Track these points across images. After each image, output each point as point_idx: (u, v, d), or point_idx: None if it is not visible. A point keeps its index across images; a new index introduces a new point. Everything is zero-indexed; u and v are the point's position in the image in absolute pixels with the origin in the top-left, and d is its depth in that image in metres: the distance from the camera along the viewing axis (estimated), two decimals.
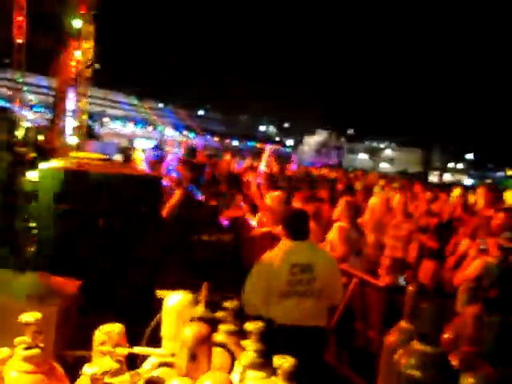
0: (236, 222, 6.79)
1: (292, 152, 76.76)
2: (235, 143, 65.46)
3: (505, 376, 1.92)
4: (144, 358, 1.73)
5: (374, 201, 7.41)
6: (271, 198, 6.66)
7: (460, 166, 77.24)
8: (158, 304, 1.91)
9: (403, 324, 2.39)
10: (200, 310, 1.77)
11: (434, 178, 65.77)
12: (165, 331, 1.81)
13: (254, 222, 6.39)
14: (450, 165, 76.91)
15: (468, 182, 65.50)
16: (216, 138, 63.99)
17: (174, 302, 1.85)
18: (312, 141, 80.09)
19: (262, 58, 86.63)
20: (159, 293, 1.92)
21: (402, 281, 5.33)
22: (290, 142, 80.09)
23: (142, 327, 1.98)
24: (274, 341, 2.24)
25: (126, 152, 18.20)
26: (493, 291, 3.53)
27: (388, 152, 79.45)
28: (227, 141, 64.68)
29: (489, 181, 73.55)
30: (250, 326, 1.62)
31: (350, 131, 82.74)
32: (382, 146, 79.53)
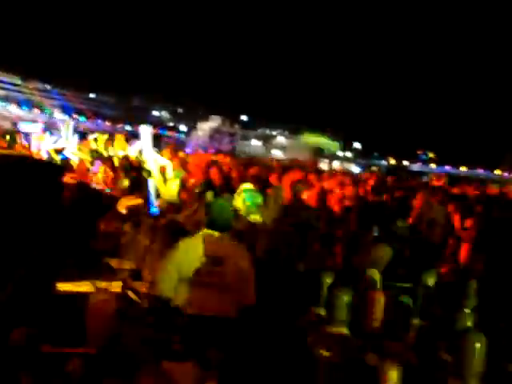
0: (134, 210, 6.64)
1: (186, 138, 76.17)
2: (128, 128, 63.67)
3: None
4: None
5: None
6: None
7: (348, 154, 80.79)
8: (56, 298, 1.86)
9: (314, 309, 2.50)
10: None
11: (324, 165, 68.23)
12: None
13: (155, 210, 6.29)
14: (339, 153, 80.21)
15: (356, 169, 68.77)
16: (108, 123, 61.84)
17: None
18: (205, 126, 79.88)
19: (156, 40, 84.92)
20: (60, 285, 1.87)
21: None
22: (183, 128, 79.31)
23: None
24: (182, 328, 2.27)
25: (11, 135, 17.17)
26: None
27: (280, 139, 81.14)
28: (120, 125, 62.73)
29: (374, 168, 78.02)
30: None
31: (244, 118, 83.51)
32: (274, 133, 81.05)
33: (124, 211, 7.41)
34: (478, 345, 1.92)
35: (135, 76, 74.13)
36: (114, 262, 5.38)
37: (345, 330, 2.14)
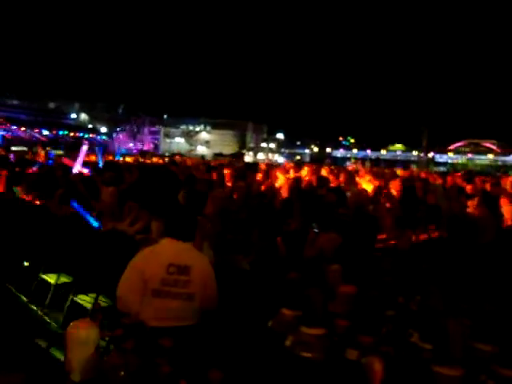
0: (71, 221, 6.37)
1: (107, 140, 74.31)
2: (45, 133, 61.10)
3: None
4: None
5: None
6: (106, 194, 6.41)
7: (272, 145, 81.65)
8: None
9: (287, 311, 2.48)
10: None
11: (249, 158, 68.69)
12: None
13: (92, 220, 6.04)
14: (263, 144, 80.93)
15: (280, 159, 69.78)
16: (23, 128, 58.98)
17: None
18: (127, 127, 78.31)
19: (71, 40, 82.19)
20: None
21: None
22: (104, 129, 77.31)
23: None
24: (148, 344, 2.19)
25: None
26: None
27: (204, 135, 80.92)
28: (36, 131, 60.09)
29: (298, 157, 79.61)
30: None
31: (165, 116, 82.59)
32: (197, 129, 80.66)
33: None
34: (456, 329, 1.97)
35: (50, 79, 71.39)
36: None
37: (321, 329, 2.13)
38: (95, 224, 5.89)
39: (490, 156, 71.14)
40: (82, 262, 5.23)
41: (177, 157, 27.82)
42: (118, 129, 77.55)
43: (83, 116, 76.99)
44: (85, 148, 10.24)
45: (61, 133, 63.43)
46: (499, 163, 66.78)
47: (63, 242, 5.62)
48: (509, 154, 69.65)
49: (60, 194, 7.33)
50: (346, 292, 2.42)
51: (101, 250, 5.17)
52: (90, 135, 70.25)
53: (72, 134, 64.71)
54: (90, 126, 75.63)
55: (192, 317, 3.50)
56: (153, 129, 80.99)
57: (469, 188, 10.00)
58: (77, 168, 8.85)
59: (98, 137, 73.02)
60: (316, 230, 5.29)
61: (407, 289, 2.80)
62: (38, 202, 7.53)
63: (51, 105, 73.69)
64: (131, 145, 74.56)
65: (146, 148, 77.19)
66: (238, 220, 6.28)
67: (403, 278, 3.01)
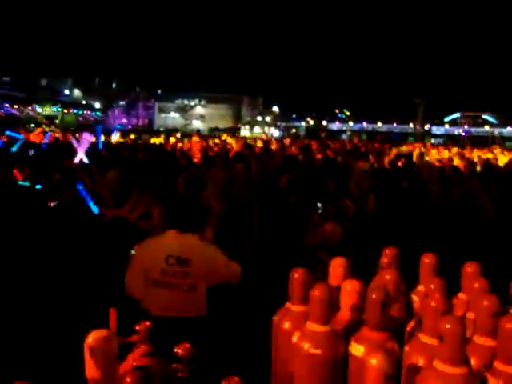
0: (72, 206, 6.33)
1: (101, 116, 73.78)
2: (38, 110, 60.61)
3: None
4: None
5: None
6: (108, 178, 6.37)
7: (267, 118, 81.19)
8: None
9: (293, 307, 2.51)
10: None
11: (245, 132, 68.45)
12: None
13: (93, 205, 6.01)
14: (259, 118, 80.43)
15: (276, 133, 69.52)
16: (16, 106, 58.43)
17: None
18: (121, 103, 77.75)
19: (64, 16, 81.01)
20: None
21: None
22: (98, 105, 76.71)
23: None
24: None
25: None
26: None
27: (198, 109, 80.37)
28: (29, 108, 59.56)
29: (294, 130, 79.36)
30: None
31: (159, 91, 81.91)
32: (192, 103, 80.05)
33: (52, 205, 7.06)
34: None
35: (41, 55, 70.47)
36: None
37: (327, 326, 2.16)
38: (96, 210, 5.86)
39: (487, 128, 71.05)
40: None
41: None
42: (113, 104, 77.01)
43: (76, 92, 76.21)
44: (87, 136, 10.06)
45: (54, 110, 62.95)
46: (496, 134, 66.78)
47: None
48: (505, 126, 69.58)
49: (57, 179, 7.28)
50: (352, 287, 2.45)
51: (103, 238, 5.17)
52: (85, 111, 69.78)
53: (66, 111, 64.26)
54: (83, 102, 74.97)
55: (195, 309, 3.52)
56: (147, 104, 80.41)
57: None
58: (79, 157, 8.70)
59: (93, 113, 72.53)
60: (320, 211, 5.25)
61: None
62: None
63: (43, 81, 72.78)
64: (124, 120, 74.17)
65: (140, 123, 76.89)
66: (239, 202, 6.30)
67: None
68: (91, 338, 1.50)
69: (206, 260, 3.60)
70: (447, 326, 1.77)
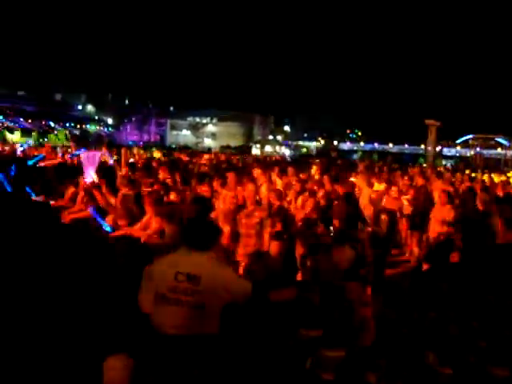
0: (83, 223, 6.37)
1: (113, 131, 74.37)
2: (52, 125, 61.15)
3: None
4: None
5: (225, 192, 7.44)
6: (122, 197, 6.44)
7: (279, 137, 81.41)
8: None
9: (306, 332, 2.51)
10: None
11: (256, 150, 68.63)
12: None
13: (105, 224, 6.03)
14: (270, 137, 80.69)
15: (287, 152, 69.67)
16: (29, 120, 59.01)
17: None
18: (134, 119, 78.37)
19: (76, 31, 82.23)
20: None
21: None
22: (110, 121, 77.37)
23: None
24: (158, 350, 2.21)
25: None
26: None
27: (210, 127, 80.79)
28: (43, 122, 60.13)
29: (304, 150, 79.50)
30: None
31: (172, 108, 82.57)
32: (204, 121, 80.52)
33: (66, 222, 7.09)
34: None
35: (55, 70, 71.35)
36: None
37: (342, 351, 2.16)
38: (108, 229, 5.91)
39: (499, 150, 70.71)
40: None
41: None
42: (125, 120, 77.65)
43: (89, 107, 76.95)
44: (100, 155, 10.07)
45: (67, 124, 63.53)
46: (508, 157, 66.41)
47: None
48: None
49: (72, 193, 7.36)
50: (368, 314, 2.46)
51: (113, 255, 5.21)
52: (97, 127, 70.36)
53: (79, 126, 64.81)
54: (96, 117, 75.64)
55: (202, 326, 3.51)
56: (159, 120, 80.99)
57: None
58: (90, 176, 8.71)
59: (105, 128, 73.11)
60: (332, 234, 5.23)
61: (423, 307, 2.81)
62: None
63: (57, 96, 73.62)
64: (137, 137, 74.76)
65: (152, 139, 77.41)
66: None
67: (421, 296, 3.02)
68: (109, 364, 1.51)
69: (215, 277, 3.58)
70: None
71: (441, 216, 7.89)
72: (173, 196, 6.73)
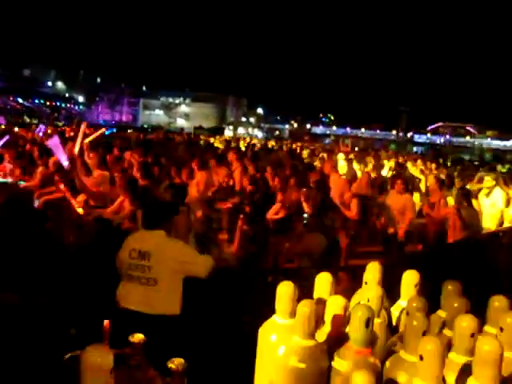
0: (53, 204, 6.30)
1: (84, 110, 73.17)
2: (20, 101, 59.78)
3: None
4: None
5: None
6: (97, 178, 6.39)
7: (252, 119, 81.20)
8: None
9: (279, 320, 2.54)
10: None
11: (229, 132, 68.40)
12: None
13: (77, 205, 6.00)
14: (243, 119, 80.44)
15: (260, 134, 69.61)
16: None
17: None
18: (105, 97, 77.19)
19: (49, 7, 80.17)
20: None
21: None
22: (81, 99, 75.98)
23: None
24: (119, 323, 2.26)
25: None
26: None
27: (183, 108, 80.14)
28: (10, 99, 58.71)
29: (277, 132, 79.55)
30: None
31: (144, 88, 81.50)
32: (177, 101, 79.80)
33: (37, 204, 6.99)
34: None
35: (25, 45, 69.46)
36: None
37: (312, 340, 2.22)
38: (80, 210, 5.88)
39: (468, 138, 72.01)
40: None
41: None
42: (96, 99, 76.41)
43: (60, 84, 75.32)
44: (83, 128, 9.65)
45: (37, 101, 62.18)
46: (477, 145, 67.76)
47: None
48: (486, 137, 70.57)
49: (44, 174, 7.27)
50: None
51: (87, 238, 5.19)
52: (68, 105, 69.07)
53: (48, 103, 63.52)
54: (66, 94, 74.16)
55: (157, 304, 3.57)
56: (132, 100, 79.96)
57: None
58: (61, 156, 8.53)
59: (76, 107, 71.88)
60: (305, 222, 5.29)
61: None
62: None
63: (26, 72, 71.72)
64: (109, 116, 73.77)
65: (124, 119, 76.46)
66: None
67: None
68: (87, 353, 1.53)
69: (165, 250, 3.68)
70: (427, 347, 1.84)
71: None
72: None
